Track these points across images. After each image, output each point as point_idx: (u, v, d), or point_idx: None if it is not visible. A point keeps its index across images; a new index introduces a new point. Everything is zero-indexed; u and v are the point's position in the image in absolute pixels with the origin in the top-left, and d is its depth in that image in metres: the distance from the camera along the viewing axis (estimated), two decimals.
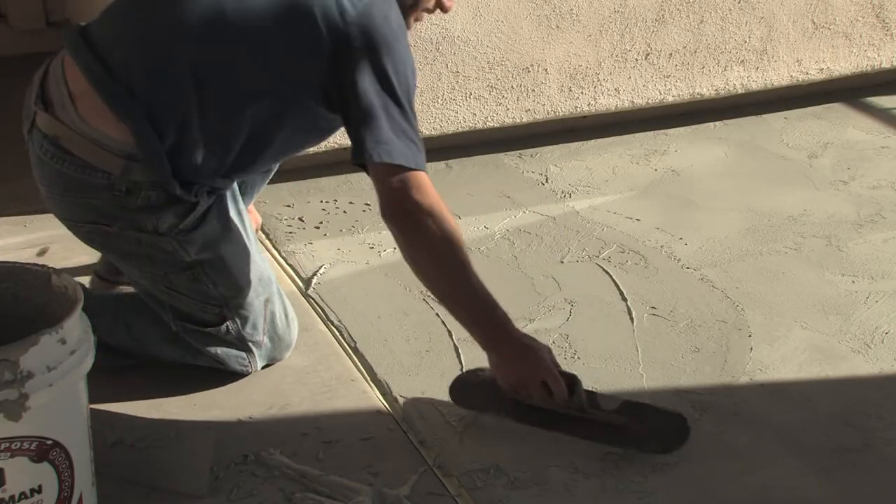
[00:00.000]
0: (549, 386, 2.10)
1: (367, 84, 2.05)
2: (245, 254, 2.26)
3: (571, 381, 2.13)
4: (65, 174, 2.11)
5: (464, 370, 2.38)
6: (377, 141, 2.04)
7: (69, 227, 2.25)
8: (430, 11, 2.30)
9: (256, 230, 2.88)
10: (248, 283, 2.26)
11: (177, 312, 2.26)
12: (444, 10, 2.28)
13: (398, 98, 2.07)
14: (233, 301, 2.26)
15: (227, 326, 2.27)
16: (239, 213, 2.29)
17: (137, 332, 2.28)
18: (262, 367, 2.37)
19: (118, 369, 2.28)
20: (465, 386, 2.27)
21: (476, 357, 2.45)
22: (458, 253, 2.09)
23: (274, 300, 2.34)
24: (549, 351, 2.16)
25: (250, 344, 2.31)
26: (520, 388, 2.13)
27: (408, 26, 2.27)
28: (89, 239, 2.23)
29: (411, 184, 2.05)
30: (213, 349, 2.28)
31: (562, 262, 2.90)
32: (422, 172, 2.08)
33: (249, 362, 2.32)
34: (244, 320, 2.28)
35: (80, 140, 2.08)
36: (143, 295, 2.28)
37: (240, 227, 2.27)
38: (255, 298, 2.29)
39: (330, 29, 2.05)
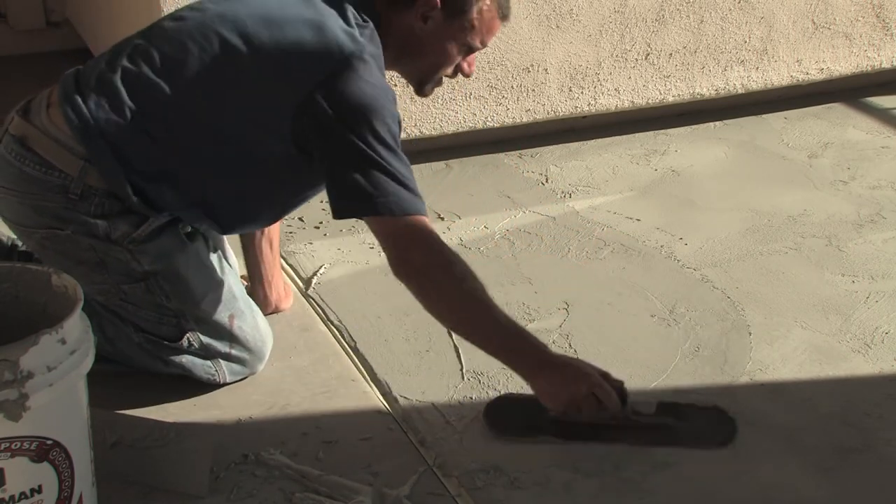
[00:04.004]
0: (600, 400, 2.10)
1: (346, 145, 2.06)
2: (202, 267, 2.24)
3: (619, 390, 2.14)
4: (25, 173, 2.13)
5: (491, 401, 2.30)
6: (378, 193, 2.05)
7: (22, 236, 2.24)
8: (451, 76, 2.34)
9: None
10: (204, 296, 2.23)
11: (136, 326, 2.24)
12: (465, 75, 2.33)
13: (381, 149, 2.07)
14: (189, 313, 2.22)
15: (188, 339, 2.24)
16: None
17: (111, 333, 2.25)
18: (235, 381, 2.32)
19: (113, 370, 2.28)
20: (499, 414, 2.24)
21: (476, 357, 2.46)
22: (478, 297, 2.09)
23: (242, 316, 2.30)
24: (590, 365, 2.16)
25: (216, 355, 2.27)
26: (572, 406, 2.11)
27: (424, 93, 2.34)
28: (43, 247, 2.20)
29: (415, 239, 2.08)
30: (177, 358, 2.25)
31: (561, 262, 2.90)
32: (420, 218, 2.09)
33: (217, 371, 2.28)
34: (204, 333, 2.24)
35: (44, 139, 2.12)
36: (102, 310, 2.24)
37: (198, 243, 2.26)
38: (213, 313, 2.25)
39: (303, 92, 2.07)
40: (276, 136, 2.12)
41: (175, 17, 2.24)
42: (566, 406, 2.11)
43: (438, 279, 2.08)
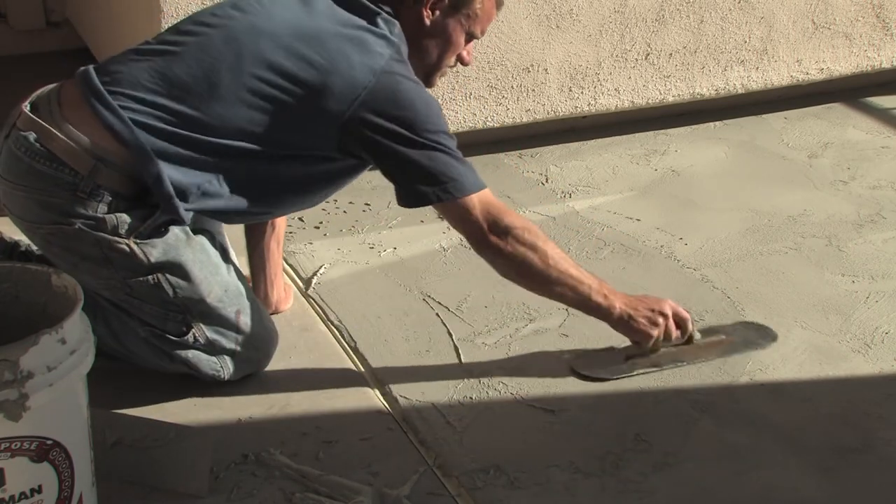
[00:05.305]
0: (678, 324, 2.41)
1: (398, 139, 2.18)
2: (208, 262, 2.24)
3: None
4: (34, 169, 2.12)
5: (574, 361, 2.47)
6: (439, 181, 2.22)
7: (28, 231, 2.24)
8: (452, 66, 2.45)
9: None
10: (210, 291, 2.23)
11: (142, 320, 2.24)
12: (465, 63, 2.45)
13: (441, 136, 2.23)
14: (195, 308, 2.22)
15: (193, 336, 2.24)
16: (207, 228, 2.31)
17: (116, 327, 2.25)
18: (241, 378, 2.32)
19: (113, 370, 2.28)
20: (590, 365, 2.44)
21: (476, 357, 2.46)
22: (555, 257, 2.28)
23: (247, 311, 2.30)
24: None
25: (221, 351, 2.27)
26: (657, 328, 2.38)
27: (431, 84, 2.42)
28: (48, 242, 2.20)
29: (499, 209, 2.27)
30: (182, 354, 2.24)
31: None
32: (485, 192, 2.28)
33: (221, 367, 2.28)
34: (209, 328, 2.24)
35: (55, 136, 2.12)
36: (108, 304, 2.24)
37: (203, 237, 2.26)
38: (220, 307, 2.25)
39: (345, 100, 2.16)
40: (320, 144, 2.20)
41: (200, 22, 2.25)
42: (653, 328, 2.37)
43: (535, 242, 2.26)
